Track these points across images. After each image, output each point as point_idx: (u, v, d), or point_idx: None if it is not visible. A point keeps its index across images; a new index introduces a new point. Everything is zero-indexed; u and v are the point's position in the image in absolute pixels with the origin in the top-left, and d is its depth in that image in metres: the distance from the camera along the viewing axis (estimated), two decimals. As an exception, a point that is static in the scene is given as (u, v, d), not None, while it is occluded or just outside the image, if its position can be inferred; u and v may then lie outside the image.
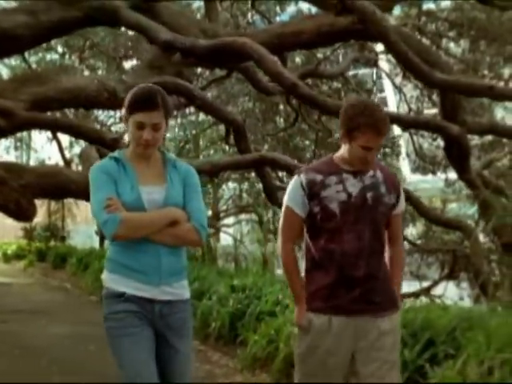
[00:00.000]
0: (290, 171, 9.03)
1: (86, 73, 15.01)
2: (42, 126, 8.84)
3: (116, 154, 2.88)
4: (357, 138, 2.88)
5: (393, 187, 3.04)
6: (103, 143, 8.24)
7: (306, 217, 2.99)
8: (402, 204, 3.14)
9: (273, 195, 10.20)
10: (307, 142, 15.05)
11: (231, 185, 16.61)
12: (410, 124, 7.45)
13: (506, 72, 11.64)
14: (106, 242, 3.27)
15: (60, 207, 19.75)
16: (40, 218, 19.13)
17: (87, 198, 9.31)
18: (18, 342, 7.44)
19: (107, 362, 6.22)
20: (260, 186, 11.56)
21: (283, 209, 3.07)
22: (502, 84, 11.88)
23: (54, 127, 9.04)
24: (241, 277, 8.03)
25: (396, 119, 6.99)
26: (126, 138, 7.86)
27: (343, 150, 2.99)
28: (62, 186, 7.65)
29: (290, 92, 6.65)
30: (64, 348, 7.10)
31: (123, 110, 2.83)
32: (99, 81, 7.72)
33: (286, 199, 3.06)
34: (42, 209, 18.78)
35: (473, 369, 3.96)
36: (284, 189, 10.34)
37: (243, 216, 16.10)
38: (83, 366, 6.15)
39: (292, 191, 3.04)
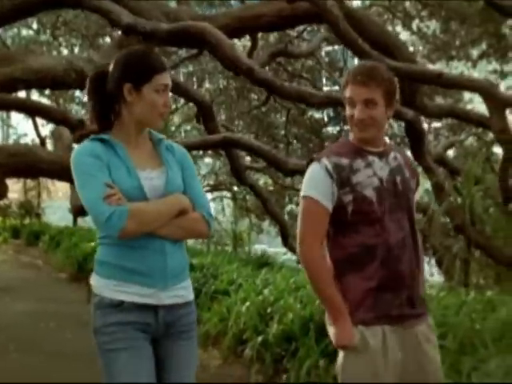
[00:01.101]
0: (254, 152, 9.25)
1: (65, 51, 15.05)
2: (9, 107, 8.94)
3: (100, 134, 2.45)
4: (345, 92, 2.57)
5: (411, 171, 2.70)
6: (69, 125, 8.40)
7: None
8: (419, 192, 2.92)
9: (240, 174, 10.41)
10: (282, 120, 15.18)
11: (208, 160, 16.73)
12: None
13: (475, 53, 11.74)
14: (87, 223, 2.93)
15: (36, 184, 19.79)
16: (16, 195, 19.25)
17: (59, 177, 9.45)
18: (-23, 319, 7.44)
19: (65, 340, 6.52)
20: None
21: (302, 202, 2.57)
22: (469, 65, 12.11)
23: (21, 108, 9.12)
24: (201, 256, 8.21)
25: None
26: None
27: None
28: (32, 164, 7.76)
29: (247, 76, 6.76)
30: (24, 325, 7.16)
31: (125, 76, 2.41)
32: (67, 61, 7.78)
33: (306, 190, 2.55)
34: (18, 186, 18.90)
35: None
36: (252, 168, 10.51)
37: (218, 193, 16.27)
38: (41, 344, 6.27)
39: (314, 180, 2.53)
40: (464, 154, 10.79)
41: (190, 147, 9.28)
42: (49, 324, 6.93)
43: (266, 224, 15.95)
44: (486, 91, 5.68)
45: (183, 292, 2.49)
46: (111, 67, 2.47)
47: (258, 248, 15.43)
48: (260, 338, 5.16)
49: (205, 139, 9.05)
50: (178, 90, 9.42)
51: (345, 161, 2.53)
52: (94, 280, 2.44)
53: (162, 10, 7.97)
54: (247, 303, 5.68)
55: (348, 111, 2.57)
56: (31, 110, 8.99)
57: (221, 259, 7.81)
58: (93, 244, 9.87)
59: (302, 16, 7.61)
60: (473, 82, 5.70)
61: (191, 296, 2.55)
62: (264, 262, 8.47)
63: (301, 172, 9.19)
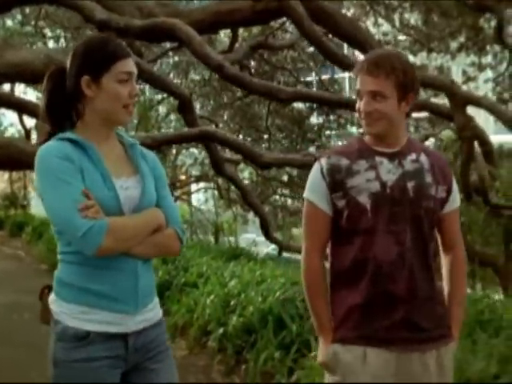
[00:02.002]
0: (229, 146, 9.36)
1: (50, 43, 15.09)
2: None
3: (67, 134, 2.14)
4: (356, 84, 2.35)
5: (442, 177, 2.36)
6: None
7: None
8: (457, 199, 2.44)
9: (219, 166, 10.52)
10: (264, 111, 15.27)
11: (193, 150, 16.83)
12: (325, 101, 7.69)
13: (453, 46, 11.85)
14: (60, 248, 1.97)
15: (22, 176, 19.87)
16: (3, 184, 19.33)
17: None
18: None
19: (38, 332, 6.61)
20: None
21: (304, 205, 2.43)
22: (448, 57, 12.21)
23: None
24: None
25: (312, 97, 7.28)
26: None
27: None
28: (13, 157, 7.85)
29: (217, 72, 6.90)
30: (-3, 316, 7.19)
31: (82, 69, 2.14)
32: (46, 55, 7.89)
33: (305, 192, 2.41)
34: (4, 177, 18.98)
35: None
36: (231, 161, 10.61)
37: (202, 184, 16.41)
38: (11, 336, 6.37)
39: (312, 181, 2.38)
40: (438, 147, 10.93)
41: (167, 141, 9.45)
42: (23, 315, 7.04)
43: (251, 214, 16.09)
44: (447, 89, 5.80)
45: (151, 314, 2.24)
46: (68, 61, 2.19)
47: (246, 238, 15.66)
48: (222, 330, 5.31)
49: (181, 133, 9.18)
50: (156, 82, 9.54)
51: (344, 161, 2.32)
52: (55, 304, 2.14)
53: (137, 6, 8.08)
54: (212, 296, 5.83)
55: (357, 104, 2.34)
56: (8, 104, 9.06)
57: (193, 252, 7.94)
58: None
59: (275, 11, 7.72)
60: (434, 79, 5.83)
61: (159, 314, 2.29)
62: (238, 254, 8.60)
63: (277, 165, 9.34)
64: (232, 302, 5.57)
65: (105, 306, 2.09)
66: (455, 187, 2.44)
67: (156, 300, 2.29)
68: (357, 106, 2.34)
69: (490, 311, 4.72)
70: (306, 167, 10.82)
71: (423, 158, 2.35)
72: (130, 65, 2.16)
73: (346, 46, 11.39)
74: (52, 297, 2.16)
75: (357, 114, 2.42)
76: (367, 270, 2.27)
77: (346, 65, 6.10)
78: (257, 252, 10.06)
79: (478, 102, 5.93)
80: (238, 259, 7.64)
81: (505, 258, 7.05)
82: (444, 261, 2.49)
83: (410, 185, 2.29)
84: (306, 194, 2.40)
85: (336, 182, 2.30)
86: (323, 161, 2.35)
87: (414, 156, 2.34)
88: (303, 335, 4.69)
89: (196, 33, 6.78)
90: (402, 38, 13.30)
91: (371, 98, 2.26)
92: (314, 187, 2.36)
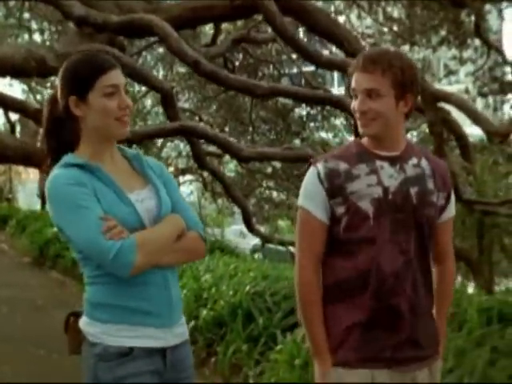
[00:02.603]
0: (209, 140, 9.43)
1: (36, 36, 15.07)
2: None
3: (71, 159, 2.11)
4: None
5: (442, 183, 2.23)
6: (26, 114, 8.57)
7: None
8: (453, 208, 2.31)
9: (201, 160, 10.60)
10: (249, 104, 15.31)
11: (177, 142, 16.84)
12: (301, 97, 7.76)
13: (434, 39, 11.93)
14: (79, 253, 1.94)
15: (7, 169, 19.87)
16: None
17: (25, 163, 9.57)
18: None
19: (15, 325, 6.74)
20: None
21: (298, 213, 2.24)
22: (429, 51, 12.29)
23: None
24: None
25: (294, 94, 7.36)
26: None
27: None
28: (-2, 151, 7.95)
29: (193, 69, 6.98)
30: (-26, 310, 7.31)
31: (68, 89, 2.11)
32: (26, 49, 7.94)
33: (299, 199, 2.24)
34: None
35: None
36: (213, 154, 10.66)
37: (187, 177, 16.47)
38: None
39: (307, 187, 2.21)
40: (418, 141, 11.03)
41: (147, 135, 9.52)
42: (1, 309, 7.14)
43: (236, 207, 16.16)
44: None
45: (183, 329, 2.22)
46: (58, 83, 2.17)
47: (235, 229, 15.75)
48: (193, 323, 5.41)
49: (162, 127, 9.24)
50: (138, 76, 9.60)
51: (343, 166, 2.16)
52: (90, 326, 2.10)
53: (116, 2, 8.14)
54: (185, 289, 5.92)
55: (352, 104, 2.20)
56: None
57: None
58: (55, 229, 10.06)
59: (253, 7, 7.79)
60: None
61: (187, 332, 2.26)
62: (216, 247, 8.69)
63: (256, 159, 9.42)
64: (204, 296, 5.67)
65: (143, 321, 2.08)
66: (453, 196, 2.31)
67: (183, 317, 2.26)
68: (351, 105, 2.20)
69: (455, 305, 4.83)
70: (286, 161, 10.94)
71: (424, 162, 2.22)
72: (114, 77, 2.10)
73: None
74: (84, 320, 2.13)
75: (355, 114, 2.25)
76: (369, 283, 2.09)
77: (317, 61, 6.19)
78: (236, 244, 10.14)
79: (447, 99, 6.03)
80: (214, 253, 7.72)
81: (478, 253, 7.16)
82: (434, 273, 2.30)
83: (413, 191, 2.15)
84: (300, 202, 2.22)
85: (335, 187, 2.14)
86: (320, 165, 2.17)
87: (415, 160, 2.20)
88: (269, 329, 4.80)
89: (172, 29, 6.84)
90: (385, 30, 13.37)
91: (366, 96, 2.12)
92: (311, 194, 2.18)
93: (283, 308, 5.01)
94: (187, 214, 2.21)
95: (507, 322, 4.30)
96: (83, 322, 2.12)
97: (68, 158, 2.11)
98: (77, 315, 2.18)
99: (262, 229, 14.20)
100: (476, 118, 6.03)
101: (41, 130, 2.27)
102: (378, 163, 2.16)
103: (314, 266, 2.19)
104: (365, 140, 2.22)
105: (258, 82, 7.68)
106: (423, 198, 2.16)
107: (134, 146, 12.10)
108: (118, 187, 2.09)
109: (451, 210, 2.29)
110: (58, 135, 2.16)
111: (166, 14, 7.98)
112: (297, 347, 4.22)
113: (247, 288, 5.35)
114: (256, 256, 11.88)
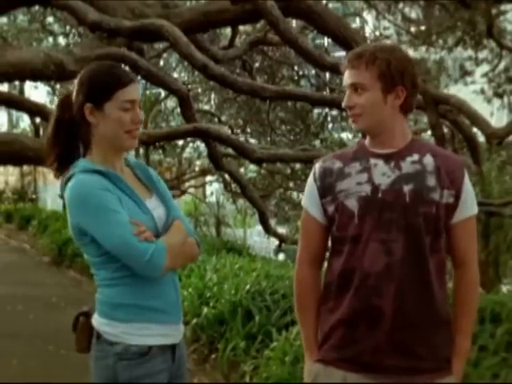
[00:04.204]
0: (223, 142, 9.58)
1: (61, 40, 15.34)
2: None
3: (90, 165, 2.17)
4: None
5: (450, 180, 2.08)
6: (45, 117, 8.78)
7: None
8: (470, 207, 2.13)
9: (217, 161, 10.75)
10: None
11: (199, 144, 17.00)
12: (309, 99, 7.85)
13: (450, 40, 11.93)
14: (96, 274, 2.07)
15: (32, 169, 20.18)
16: (12, 180, 19.68)
17: (45, 165, 9.92)
18: None
19: (27, 322, 6.93)
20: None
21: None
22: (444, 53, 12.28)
23: None
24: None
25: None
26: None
27: None
28: (18, 153, 8.13)
29: (202, 72, 7.12)
30: (-9, 308, 7.48)
31: (85, 96, 2.17)
32: (45, 54, 8.15)
33: (303, 198, 2.29)
34: (17, 170, 19.32)
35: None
36: (231, 156, 10.76)
37: (210, 178, 16.64)
38: (3, 327, 6.61)
39: (307, 187, 2.25)
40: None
41: (162, 137, 9.70)
42: (16, 307, 7.34)
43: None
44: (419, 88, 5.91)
45: (183, 326, 2.34)
46: (75, 87, 2.23)
47: (259, 230, 15.83)
48: (195, 321, 5.55)
49: (176, 129, 9.46)
50: (154, 79, 9.79)
51: (338, 164, 2.16)
52: (110, 327, 2.16)
53: (128, 7, 8.31)
54: (190, 288, 6.07)
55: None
56: (7, 103, 9.33)
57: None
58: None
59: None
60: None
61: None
62: (228, 248, 8.82)
63: (269, 161, 9.54)
64: (207, 294, 5.81)
65: (160, 319, 2.18)
66: (468, 193, 2.12)
67: None
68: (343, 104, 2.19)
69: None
70: (298, 161, 11.03)
71: (428, 159, 2.10)
72: (132, 92, 2.17)
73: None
74: (100, 320, 2.20)
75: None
76: (353, 282, 2.07)
77: (322, 64, 6.29)
78: (248, 245, 10.25)
79: (447, 101, 6.10)
80: (220, 253, 7.86)
81: (483, 254, 7.16)
82: (453, 280, 2.18)
83: (407, 188, 2.06)
84: (302, 201, 2.28)
85: (325, 186, 2.16)
86: (317, 165, 2.21)
87: (415, 157, 2.10)
88: (267, 326, 4.92)
89: (182, 34, 6.99)
90: (402, 32, 13.38)
91: (353, 91, 2.10)
92: (308, 193, 2.22)
93: (282, 306, 5.13)
94: (183, 221, 2.31)
95: (499, 322, 4.38)
96: (99, 322, 2.19)
97: (85, 163, 2.17)
98: (87, 315, 2.26)
99: (283, 229, 14.29)
100: (475, 119, 6.09)
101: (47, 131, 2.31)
102: (372, 161, 2.12)
103: (310, 263, 2.24)
104: (367, 139, 2.20)
105: (266, 85, 7.79)
106: (419, 196, 2.05)
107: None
108: (136, 195, 2.19)
109: (467, 210, 2.11)
110: (67, 139, 2.22)
111: (178, 19, 8.15)
112: (289, 344, 4.34)
113: (248, 287, 5.48)
114: (279, 257, 11.98)
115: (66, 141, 2.22)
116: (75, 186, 2.11)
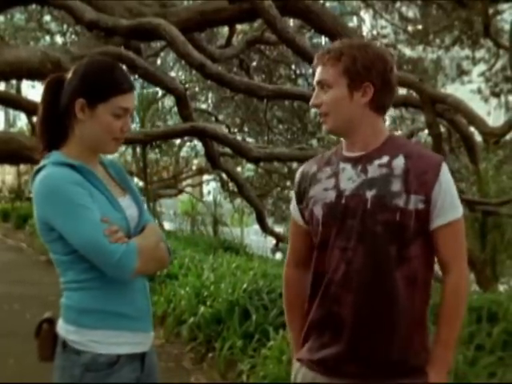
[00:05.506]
0: (219, 141, 9.58)
1: (57, 38, 15.34)
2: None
3: (62, 158, 2.04)
4: None
5: (419, 184, 1.93)
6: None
7: None
8: (448, 209, 1.96)
9: (214, 160, 10.76)
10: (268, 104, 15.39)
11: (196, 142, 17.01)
12: (306, 99, 7.86)
13: (447, 40, 11.96)
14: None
15: (29, 168, 20.12)
16: (9, 179, 19.60)
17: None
18: None
19: (23, 321, 6.91)
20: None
21: None
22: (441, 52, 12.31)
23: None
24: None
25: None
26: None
27: None
28: (15, 152, 8.13)
29: (199, 71, 7.13)
30: (-14, 307, 7.45)
31: (80, 90, 2.04)
32: (42, 52, 8.14)
33: None
34: (12, 171, 19.26)
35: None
36: (228, 155, 10.75)
37: (207, 177, 16.65)
38: (-1, 326, 6.61)
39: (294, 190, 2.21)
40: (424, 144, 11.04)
41: (158, 136, 9.70)
42: (12, 306, 7.33)
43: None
44: (415, 87, 5.99)
45: (153, 334, 2.19)
46: (69, 75, 2.09)
47: (255, 229, 15.82)
48: (192, 320, 5.56)
49: (174, 128, 9.44)
50: (151, 78, 9.79)
51: (314, 169, 2.10)
52: (77, 335, 2.01)
53: (125, 6, 8.31)
54: (188, 287, 6.08)
55: None
56: (4, 102, 9.32)
57: (177, 244, 8.19)
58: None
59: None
60: (404, 78, 6.00)
61: None
62: (225, 247, 8.83)
63: (265, 160, 9.56)
64: (204, 293, 5.82)
65: (130, 326, 2.05)
66: (445, 196, 1.95)
67: None
68: None
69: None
70: (295, 161, 11.03)
71: (399, 161, 1.96)
72: (128, 100, 2.06)
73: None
74: (65, 327, 2.04)
75: None
76: (320, 288, 2.03)
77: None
78: (245, 244, 10.26)
79: (444, 100, 6.11)
80: (217, 252, 7.87)
81: (480, 253, 7.20)
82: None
83: (370, 194, 1.94)
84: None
85: (301, 191, 2.12)
86: (300, 168, 2.17)
87: (384, 160, 1.97)
88: (264, 325, 4.93)
89: (179, 33, 6.99)
90: (399, 31, 13.40)
91: (320, 89, 2.02)
92: (293, 196, 2.19)
93: (279, 305, 5.12)
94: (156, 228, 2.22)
95: (496, 321, 4.39)
96: (64, 330, 2.04)
97: (57, 156, 2.05)
98: (50, 321, 2.11)
99: (280, 228, 14.29)
100: (472, 119, 6.11)
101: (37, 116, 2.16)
102: (342, 165, 2.02)
103: (295, 265, 2.22)
104: (342, 141, 2.11)
105: (263, 84, 7.82)
106: (381, 202, 1.93)
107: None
108: (109, 192, 2.06)
109: (444, 216, 1.95)
110: (55, 126, 2.10)
111: (175, 18, 8.15)
112: (286, 343, 4.34)
113: (245, 286, 5.49)
114: (276, 256, 11.99)
115: (53, 129, 2.10)
116: (44, 178, 1.99)
